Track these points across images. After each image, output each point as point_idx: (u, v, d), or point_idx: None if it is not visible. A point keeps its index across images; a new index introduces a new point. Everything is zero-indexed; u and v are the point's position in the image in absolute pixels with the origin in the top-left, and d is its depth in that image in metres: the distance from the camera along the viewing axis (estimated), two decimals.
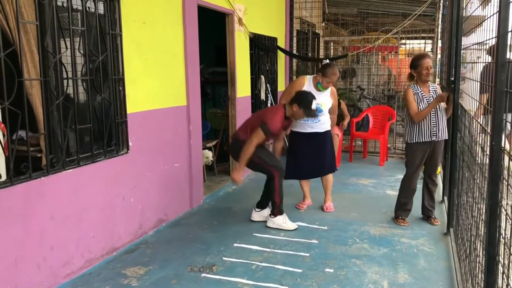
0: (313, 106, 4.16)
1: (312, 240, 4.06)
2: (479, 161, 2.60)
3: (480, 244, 2.43)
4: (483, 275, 2.18)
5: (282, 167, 4.36)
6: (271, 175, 4.30)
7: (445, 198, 4.80)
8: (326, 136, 4.73)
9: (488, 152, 2.12)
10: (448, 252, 3.78)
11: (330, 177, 4.91)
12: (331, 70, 4.49)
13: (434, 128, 4.23)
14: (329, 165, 4.82)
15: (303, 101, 4.14)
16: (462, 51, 3.90)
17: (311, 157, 4.71)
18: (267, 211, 4.52)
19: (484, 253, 2.16)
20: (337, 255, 3.73)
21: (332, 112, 4.82)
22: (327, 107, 4.67)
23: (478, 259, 2.48)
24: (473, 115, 3.13)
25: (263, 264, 3.58)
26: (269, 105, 7.04)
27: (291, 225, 4.32)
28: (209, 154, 5.82)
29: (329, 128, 4.76)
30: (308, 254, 3.76)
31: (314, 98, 4.18)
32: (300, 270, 3.46)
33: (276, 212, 4.33)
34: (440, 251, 3.81)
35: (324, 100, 4.63)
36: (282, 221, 4.31)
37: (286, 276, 3.37)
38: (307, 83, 4.62)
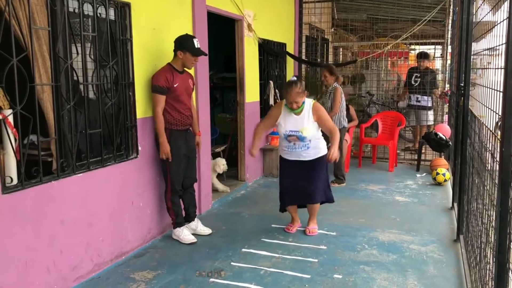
0: (196, 45, 3.87)
1: (321, 246, 4.04)
2: (489, 167, 2.58)
3: (490, 251, 2.41)
4: (493, 282, 2.16)
5: (176, 187, 4.03)
6: (165, 186, 4.08)
7: (455, 204, 4.76)
8: (316, 163, 4.17)
9: (498, 158, 2.11)
10: (458, 259, 3.75)
11: (316, 204, 4.39)
12: (286, 89, 3.98)
13: None
14: (319, 194, 4.29)
15: (182, 42, 3.86)
16: (472, 57, 3.89)
17: (296, 182, 4.22)
18: (194, 223, 4.33)
19: (494, 260, 2.14)
20: (346, 261, 3.72)
21: (329, 131, 4.10)
22: (311, 132, 4.03)
23: (488, 266, 2.46)
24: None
25: (272, 269, 3.57)
26: None
27: (188, 239, 4.13)
28: (223, 161, 5.75)
29: (321, 154, 4.17)
30: (316, 260, 3.75)
31: (194, 37, 3.90)
32: (308, 276, 3.45)
33: (173, 225, 4.19)
34: (449, 258, 3.77)
35: (302, 123, 4.01)
36: (179, 233, 4.15)
37: (295, 282, 3.36)
38: (283, 108, 4.10)
